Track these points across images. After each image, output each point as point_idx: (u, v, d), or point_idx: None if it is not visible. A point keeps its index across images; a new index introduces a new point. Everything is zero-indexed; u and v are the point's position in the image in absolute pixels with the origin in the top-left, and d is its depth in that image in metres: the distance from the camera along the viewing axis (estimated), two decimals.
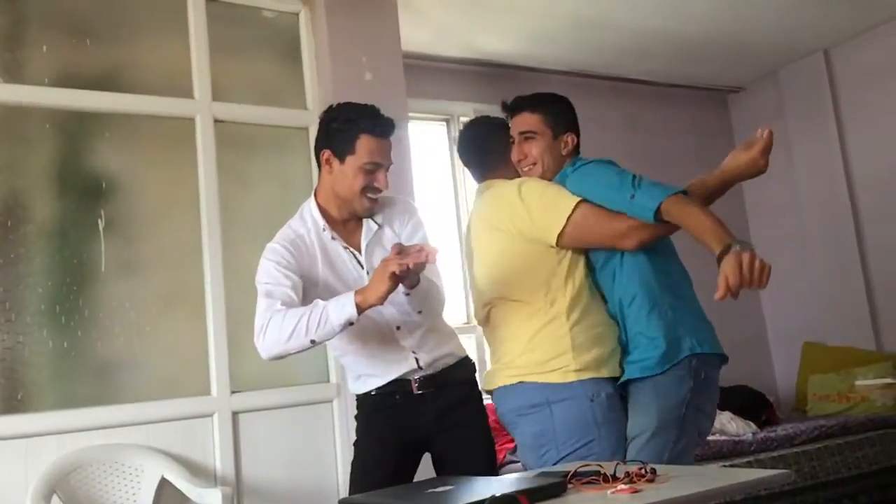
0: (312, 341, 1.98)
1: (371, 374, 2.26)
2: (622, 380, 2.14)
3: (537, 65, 5.08)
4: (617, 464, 1.62)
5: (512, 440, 3.92)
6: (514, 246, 2.18)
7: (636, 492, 1.47)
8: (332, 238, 2.21)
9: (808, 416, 4.78)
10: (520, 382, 2.15)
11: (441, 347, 2.27)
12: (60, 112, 3.09)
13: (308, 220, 2.23)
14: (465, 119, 4.97)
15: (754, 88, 5.80)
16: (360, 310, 1.94)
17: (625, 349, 2.16)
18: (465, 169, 5.08)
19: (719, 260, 1.79)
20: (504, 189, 2.26)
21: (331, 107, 2.24)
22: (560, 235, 2.10)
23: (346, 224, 2.24)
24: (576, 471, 1.61)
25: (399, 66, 3.73)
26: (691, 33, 4.79)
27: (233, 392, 3.15)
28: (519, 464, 3.69)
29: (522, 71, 5.10)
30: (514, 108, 2.34)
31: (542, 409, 2.10)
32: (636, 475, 1.56)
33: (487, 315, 2.30)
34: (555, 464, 2.05)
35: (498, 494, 1.39)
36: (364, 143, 2.13)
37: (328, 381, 3.39)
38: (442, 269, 2.29)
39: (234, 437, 3.11)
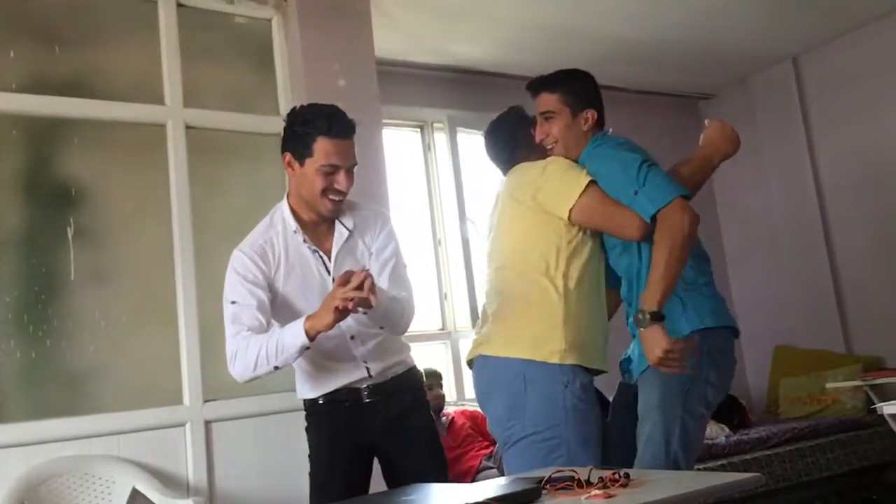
0: (276, 367, 2.06)
1: (320, 380, 2.25)
2: (637, 367, 2.21)
3: (511, 71, 5.10)
4: (591, 469, 1.62)
5: (487, 446, 3.93)
6: (530, 217, 2.24)
7: (610, 497, 1.47)
8: (303, 241, 2.20)
9: (779, 419, 4.84)
10: (503, 357, 2.19)
11: (392, 356, 2.28)
12: (28, 118, 3.05)
13: (279, 222, 2.22)
14: (438, 125, 4.99)
15: (724, 95, 5.87)
16: (311, 336, 1.99)
17: (634, 335, 2.22)
18: (440, 176, 5.10)
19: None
20: (530, 167, 2.33)
21: (293, 109, 2.22)
22: (571, 210, 2.17)
23: (317, 227, 2.24)
24: (550, 476, 1.61)
25: (372, 72, 3.72)
26: (662, 41, 4.84)
27: (206, 401, 3.12)
28: (494, 469, 3.70)
29: (496, 77, 5.12)
30: (534, 88, 2.41)
31: (518, 384, 2.14)
32: (610, 480, 1.57)
33: (491, 281, 2.35)
34: (517, 441, 2.14)
35: (471, 502, 1.38)
36: (321, 145, 2.11)
37: None
38: (412, 280, 2.29)
39: (207, 446, 3.08)
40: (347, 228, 2.23)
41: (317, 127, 2.11)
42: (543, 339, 2.15)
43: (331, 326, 1.96)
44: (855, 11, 4.86)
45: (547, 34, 4.64)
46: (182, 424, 3.07)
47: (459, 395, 4.67)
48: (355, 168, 2.21)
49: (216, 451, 3.09)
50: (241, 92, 3.55)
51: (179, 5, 3.38)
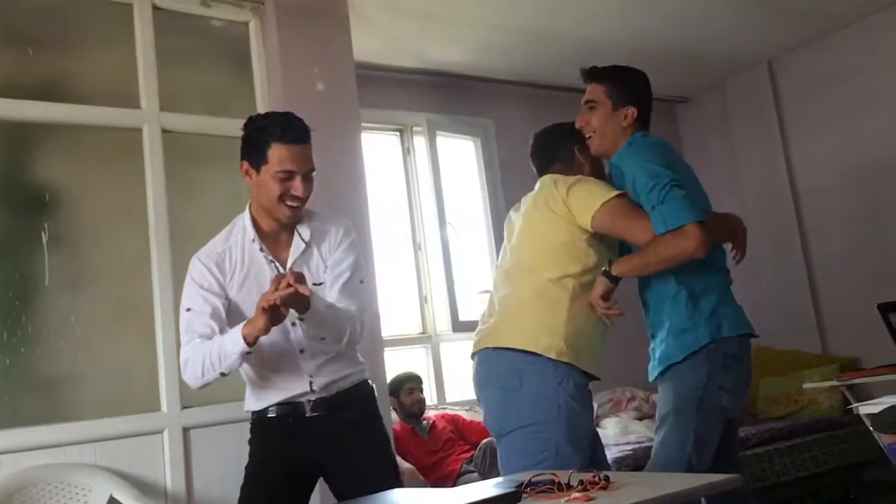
0: (222, 373, 2.07)
1: (264, 392, 2.23)
2: (653, 375, 2.31)
3: (489, 75, 5.12)
4: (571, 472, 1.63)
5: (468, 450, 3.93)
6: (552, 222, 2.31)
7: (590, 500, 1.48)
8: (260, 250, 2.19)
9: (758, 419, 4.87)
10: (504, 349, 2.26)
11: (340, 372, 2.23)
12: (1, 123, 3.01)
13: (239, 231, 2.22)
14: (417, 129, 4.99)
15: (701, 99, 5.92)
16: (249, 342, 1.98)
17: (653, 337, 2.33)
18: (419, 180, 5.11)
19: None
20: (560, 178, 2.40)
21: (249, 118, 2.20)
22: (594, 216, 2.24)
23: (277, 237, 2.22)
24: (530, 480, 1.61)
25: (351, 76, 3.72)
26: (639, 45, 4.87)
27: (183, 407, 3.09)
28: (475, 473, 3.70)
29: (475, 81, 5.13)
30: (585, 77, 2.48)
31: (513, 379, 2.22)
32: (590, 483, 1.57)
33: (503, 276, 2.40)
34: (509, 432, 2.21)
35: None
36: (275, 152, 2.10)
37: None
38: (365, 293, 2.24)
39: (185, 453, 3.05)
40: (303, 240, 2.21)
41: (271, 133, 2.10)
42: (543, 334, 2.22)
43: (265, 329, 1.96)
44: (829, 16, 4.92)
45: (526, 38, 4.66)
46: (160, 431, 3.04)
47: (440, 399, 4.66)
48: (313, 174, 2.18)
49: (194, 458, 3.07)
50: (217, 96, 3.53)
51: (155, 8, 3.36)
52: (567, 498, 1.51)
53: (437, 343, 4.81)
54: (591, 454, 2.29)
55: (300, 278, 1.91)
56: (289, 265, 2.17)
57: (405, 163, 4.99)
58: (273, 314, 1.93)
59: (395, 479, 2.23)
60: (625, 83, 2.44)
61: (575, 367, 2.23)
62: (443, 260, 4.77)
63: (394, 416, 3.91)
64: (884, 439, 2.22)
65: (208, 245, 2.24)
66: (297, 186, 2.12)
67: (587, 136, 2.43)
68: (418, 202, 4.94)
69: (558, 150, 2.52)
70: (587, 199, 2.27)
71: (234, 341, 2.00)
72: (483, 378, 2.34)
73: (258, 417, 2.27)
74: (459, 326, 4.75)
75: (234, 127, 3.44)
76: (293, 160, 2.11)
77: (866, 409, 2.72)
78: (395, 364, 4.18)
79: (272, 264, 2.19)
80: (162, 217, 3.18)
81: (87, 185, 3.14)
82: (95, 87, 3.22)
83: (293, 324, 2.13)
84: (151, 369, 3.08)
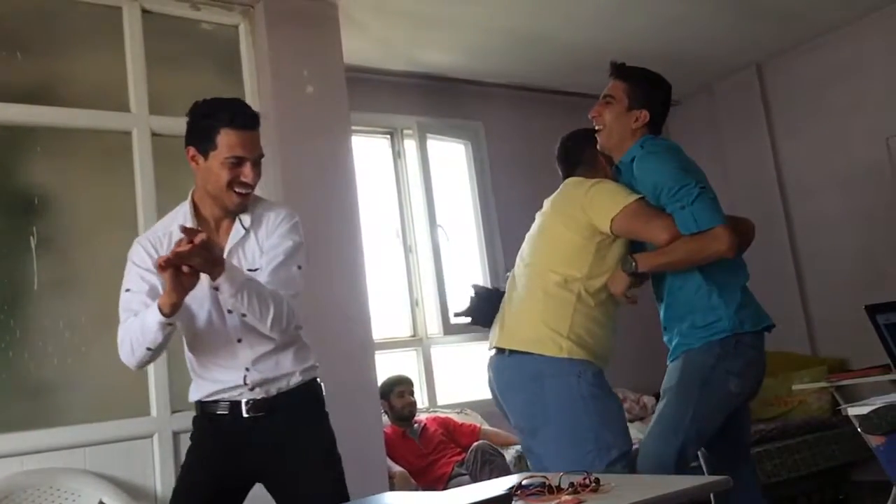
0: (148, 349, 2.00)
1: (203, 381, 2.16)
2: (670, 357, 2.39)
3: (479, 78, 5.13)
4: (561, 475, 1.63)
5: (459, 453, 3.94)
6: (571, 226, 2.37)
7: (580, 502, 1.48)
8: None
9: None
10: (520, 353, 2.34)
11: (281, 369, 2.14)
12: None
13: (180, 217, 2.16)
14: (408, 132, 4.98)
15: (690, 102, 5.95)
16: (164, 312, 1.91)
17: (671, 321, 2.41)
18: (410, 183, 5.12)
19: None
20: (581, 181, 2.46)
21: (195, 103, 2.14)
22: (614, 219, 2.29)
23: (219, 224, 2.16)
24: (521, 483, 1.62)
25: (341, 79, 3.72)
26: (629, 48, 4.87)
27: (173, 412, 3.08)
28: (466, 476, 3.70)
29: (465, 84, 5.13)
30: (613, 70, 2.52)
31: (534, 383, 2.30)
32: (580, 485, 1.57)
33: (519, 276, 2.47)
34: (544, 431, 2.28)
35: None
36: (224, 137, 2.06)
37: None
38: (302, 281, 2.12)
39: (175, 458, 3.03)
40: (244, 226, 2.14)
41: (219, 119, 2.06)
42: (553, 337, 2.30)
43: (175, 294, 1.88)
44: (816, 20, 4.95)
45: (516, 41, 4.67)
46: (149, 436, 3.03)
47: (431, 402, 4.66)
48: (262, 160, 2.13)
49: None
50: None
51: (145, 11, 3.35)
52: (557, 500, 1.51)
53: (428, 346, 4.80)
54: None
55: (194, 232, 1.84)
56: (226, 252, 2.09)
57: (395, 166, 4.99)
58: (176, 275, 1.84)
59: (343, 488, 2.15)
60: (646, 87, 2.50)
61: (589, 361, 2.32)
62: (433, 263, 4.77)
63: (385, 419, 3.91)
64: (872, 440, 2.23)
65: (150, 229, 2.21)
66: (246, 173, 2.08)
67: (596, 128, 2.48)
68: (409, 205, 4.94)
69: (583, 154, 2.57)
70: (607, 203, 2.33)
71: (153, 313, 1.94)
72: (504, 384, 2.41)
73: (197, 416, 2.19)
74: (450, 329, 4.76)
75: None
76: (243, 146, 2.06)
77: (855, 410, 2.73)
78: (386, 367, 4.18)
79: None
80: (152, 220, 3.15)
81: (76, 188, 3.12)
82: (85, 90, 3.20)
83: (229, 311, 2.05)
84: (141, 374, 3.06)
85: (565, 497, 1.52)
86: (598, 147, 2.51)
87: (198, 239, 1.81)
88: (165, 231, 2.16)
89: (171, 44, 3.45)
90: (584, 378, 2.27)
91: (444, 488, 3.70)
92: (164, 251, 2.07)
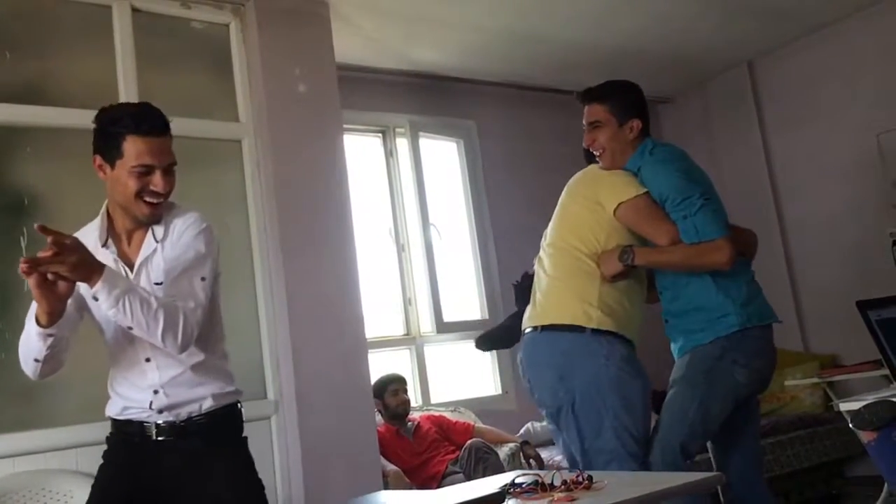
0: (36, 360, 1.92)
1: (115, 394, 2.08)
2: (678, 354, 2.47)
3: (471, 76, 5.12)
4: (554, 472, 1.63)
5: (453, 451, 3.94)
6: (585, 207, 2.49)
7: (573, 500, 1.48)
8: (106, 247, 2.03)
9: None
10: (552, 328, 2.42)
11: (192, 393, 2.02)
12: None
13: (93, 229, 2.08)
14: (400, 131, 4.98)
15: (682, 100, 5.96)
16: (40, 322, 1.83)
17: (675, 319, 2.49)
18: (402, 182, 5.10)
19: None
20: (597, 169, 2.59)
21: (102, 108, 2.03)
22: (620, 205, 2.41)
23: (132, 235, 2.06)
24: (514, 481, 1.62)
25: (333, 77, 3.71)
26: (621, 46, 4.89)
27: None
28: (460, 474, 3.70)
29: (457, 83, 5.13)
30: (584, 99, 2.61)
31: (563, 360, 2.38)
32: (573, 483, 1.57)
33: (542, 259, 2.57)
34: (570, 408, 2.35)
35: None
36: (130, 145, 1.94)
37: (265, 397, 3.33)
38: (205, 291, 2.00)
39: None
40: (156, 238, 2.04)
41: (124, 125, 1.95)
42: (580, 306, 2.39)
43: (45, 305, 1.78)
44: (808, 17, 4.96)
45: (508, 40, 4.67)
46: None
47: (425, 400, 4.66)
48: (175, 167, 2.03)
49: None
50: (199, 98, 3.51)
51: (135, 10, 3.34)
52: (551, 498, 1.51)
53: (421, 344, 4.80)
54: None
55: (63, 237, 1.74)
56: (136, 265, 2.01)
57: (388, 164, 4.98)
58: (42, 283, 1.74)
59: None
60: (624, 98, 2.57)
61: (618, 337, 2.38)
62: (426, 261, 4.77)
63: (378, 417, 3.91)
64: (864, 436, 2.24)
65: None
66: (156, 182, 1.97)
67: (596, 153, 2.56)
68: (401, 204, 4.93)
69: None
70: (620, 188, 2.44)
71: (31, 322, 1.85)
72: (532, 359, 2.48)
73: (111, 433, 2.11)
74: (443, 328, 4.76)
75: (215, 129, 3.48)
76: (151, 154, 1.95)
77: (846, 405, 2.75)
78: (379, 366, 4.17)
79: (120, 266, 2.01)
80: None
81: (66, 188, 3.11)
82: (75, 89, 3.18)
83: (130, 327, 1.90)
84: None
85: (558, 495, 1.52)
86: (603, 167, 2.57)
87: (53, 242, 1.70)
88: (84, 240, 2.00)
89: (162, 43, 3.43)
90: (612, 360, 2.34)
91: (438, 486, 3.70)
92: None
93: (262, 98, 3.48)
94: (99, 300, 1.82)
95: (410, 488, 3.65)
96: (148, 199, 1.98)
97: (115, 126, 1.96)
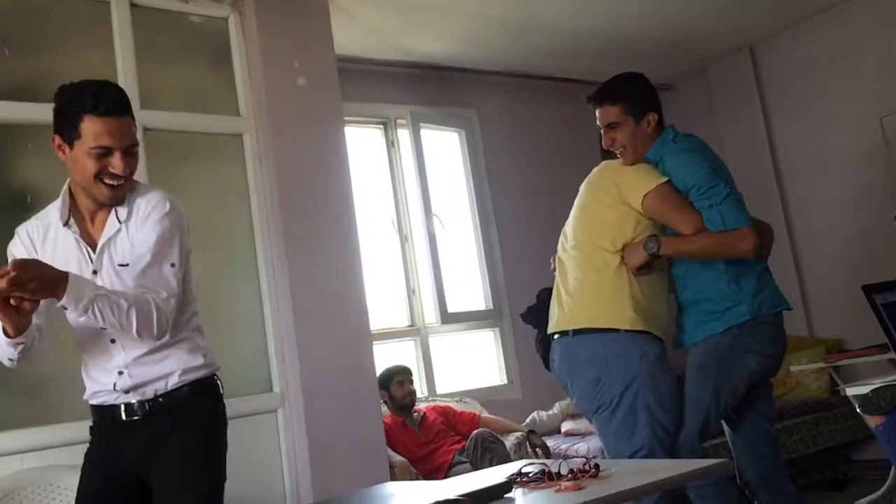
0: (10, 360, 1.91)
1: (87, 378, 2.06)
2: (689, 343, 2.53)
3: (472, 66, 5.10)
4: (561, 461, 1.63)
5: (459, 441, 3.94)
6: (606, 205, 2.52)
7: (580, 488, 1.48)
8: (69, 227, 2.00)
9: None
10: (586, 332, 2.46)
11: (159, 370, 1.99)
12: None
13: (55, 208, 2.04)
14: (401, 122, 4.96)
15: (684, 86, 5.93)
16: (6, 333, 1.82)
17: (686, 308, 2.54)
18: (404, 173, 5.09)
19: None
20: (615, 164, 2.61)
21: (61, 87, 1.97)
22: (646, 196, 2.44)
23: (94, 215, 2.02)
24: (520, 470, 1.62)
25: (333, 69, 3.70)
26: (622, 33, 4.87)
27: None
28: (467, 464, 3.70)
29: (458, 72, 5.12)
30: (597, 101, 2.62)
31: (600, 362, 2.42)
32: (580, 471, 1.57)
33: (566, 260, 2.59)
34: (607, 408, 2.41)
35: (443, 499, 1.38)
36: (88, 125, 1.89)
37: (272, 390, 3.34)
38: (176, 277, 1.98)
39: None
40: (119, 220, 1.99)
41: (82, 105, 1.88)
42: (614, 309, 2.44)
43: (9, 323, 1.78)
44: (808, 1, 4.93)
45: (508, 29, 4.65)
46: None
47: (431, 391, 4.67)
48: (136, 148, 1.98)
49: None
50: (198, 92, 3.50)
51: (133, 5, 3.33)
52: (558, 487, 1.51)
53: (426, 335, 4.80)
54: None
55: (18, 265, 1.72)
56: (99, 247, 1.97)
57: (389, 156, 4.97)
58: (2, 307, 1.74)
59: (214, 494, 2.02)
60: (634, 93, 2.59)
61: (650, 335, 2.44)
62: (429, 252, 4.77)
63: (384, 409, 3.91)
64: (871, 421, 2.24)
65: (34, 216, 2.09)
66: (115, 164, 1.91)
67: (617, 152, 2.57)
68: (404, 195, 4.92)
69: None
70: (642, 180, 2.47)
71: (0, 333, 1.84)
72: (568, 365, 2.52)
73: (93, 418, 2.09)
74: (448, 318, 4.76)
75: (215, 123, 3.47)
76: (110, 135, 1.90)
77: (853, 390, 2.74)
78: (384, 357, 4.18)
79: (80, 245, 1.99)
80: None
81: None
82: None
83: (103, 328, 1.90)
84: None
85: (565, 483, 1.52)
86: (626, 163, 2.58)
87: (9, 280, 1.67)
88: (44, 222, 2.04)
89: (161, 37, 3.42)
90: (645, 359, 2.40)
91: (445, 476, 3.71)
92: (40, 243, 2.00)
93: (263, 91, 3.47)
94: (67, 309, 1.81)
95: (417, 479, 3.65)
96: (107, 180, 1.94)
97: (72, 106, 1.91)
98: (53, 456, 2.83)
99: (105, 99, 1.90)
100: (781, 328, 2.55)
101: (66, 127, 1.93)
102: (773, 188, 5.40)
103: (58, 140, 1.96)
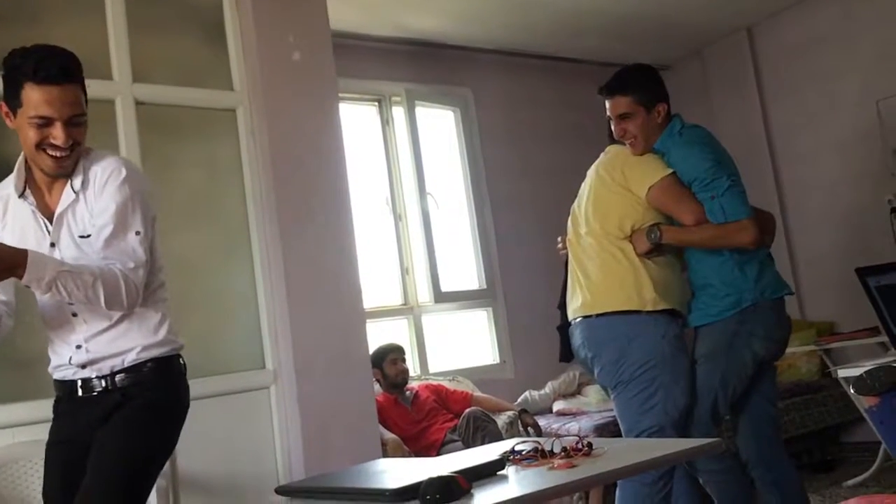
0: None
1: (51, 352, 2.02)
2: (693, 324, 2.59)
3: (468, 43, 5.07)
4: (554, 439, 1.63)
5: (451, 419, 3.95)
6: (614, 191, 2.58)
7: (573, 466, 1.48)
8: (24, 198, 1.95)
9: None
10: (604, 315, 2.53)
11: (117, 346, 1.93)
12: None
13: (9, 180, 1.98)
14: (396, 99, 4.93)
15: (680, 67, 5.91)
16: None
17: (695, 292, 2.60)
18: (399, 151, 5.06)
19: None
20: (622, 150, 2.66)
21: (11, 52, 1.88)
22: (651, 188, 2.51)
23: (52, 186, 1.95)
24: (513, 448, 1.62)
25: (328, 45, 3.65)
26: (619, 13, 4.84)
27: None
28: (459, 442, 3.72)
29: (453, 50, 5.08)
30: (607, 92, 2.65)
31: (623, 340, 2.50)
32: (573, 450, 1.57)
33: (579, 246, 2.65)
34: (627, 382, 2.49)
35: (435, 475, 1.38)
36: (29, 93, 1.80)
37: (264, 367, 3.33)
38: (143, 245, 1.92)
39: None
40: (73, 189, 1.91)
41: (24, 72, 1.79)
42: (636, 291, 2.50)
43: None
44: None
45: (504, 6, 4.61)
46: None
47: (423, 370, 4.67)
48: (83, 118, 1.89)
49: None
50: (192, 66, 3.46)
51: None
52: (550, 465, 1.51)
53: (419, 314, 4.80)
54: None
55: None
56: (55, 217, 1.91)
57: (384, 133, 4.94)
58: None
59: (137, 460, 1.90)
60: (647, 85, 2.63)
61: (670, 314, 2.52)
62: (423, 230, 4.76)
63: (377, 387, 3.92)
64: (865, 402, 2.25)
65: None
66: (56, 134, 1.82)
67: (628, 142, 2.61)
68: (398, 173, 4.90)
69: None
70: (647, 172, 2.54)
71: None
72: (591, 342, 2.58)
73: (56, 392, 2.04)
74: (441, 297, 4.76)
75: (209, 98, 3.43)
76: (49, 104, 1.80)
77: (846, 372, 2.77)
78: (377, 336, 4.18)
79: (35, 215, 1.93)
80: None
81: None
82: None
83: (70, 303, 1.85)
84: None
85: (558, 461, 1.52)
86: (636, 153, 2.62)
87: None
88: (2, 194, 1.99)
89: (155, 10, 3.37)
90: (667, 338, 2.49)
91: (437, 454, 3.72)
92: (0, 216, 1.96)
93: (257, 66, 3.43)
94: (31, 288, 1.76)
95: (409, 456, 3.67)
96: (49, 151, 1.86)
97: (15, 72, 1.82)
98: (44, 430, 2.81)
99: (46, 66, 1.80)
100: (784, 313, 2.61)
101: (10, 94, 1.85)
102: (769, 170, 5.40)
103: (4, 107, 1.89)
